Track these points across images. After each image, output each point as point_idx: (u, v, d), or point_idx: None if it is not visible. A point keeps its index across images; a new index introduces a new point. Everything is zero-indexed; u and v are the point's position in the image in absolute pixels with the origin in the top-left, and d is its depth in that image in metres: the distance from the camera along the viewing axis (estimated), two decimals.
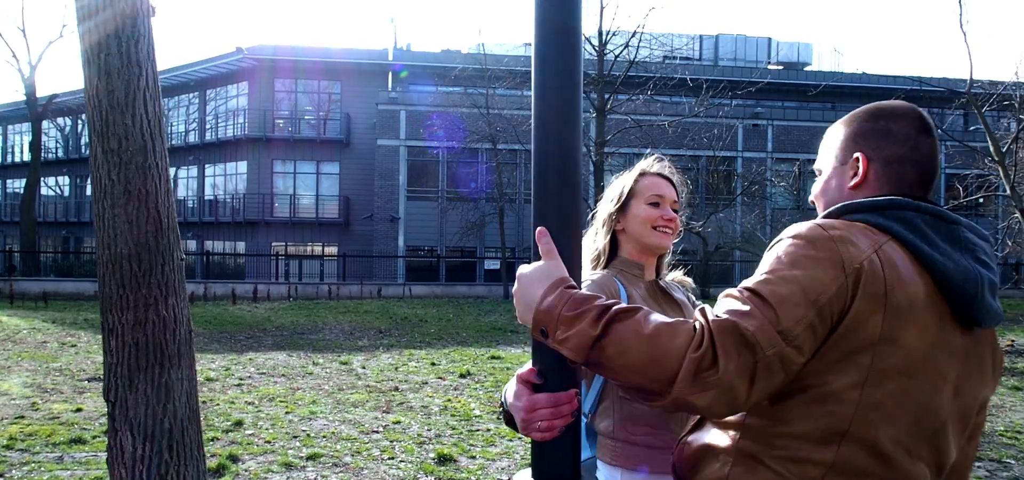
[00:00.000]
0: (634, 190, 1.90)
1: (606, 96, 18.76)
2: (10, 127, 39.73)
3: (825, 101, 31.46)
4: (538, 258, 1.22)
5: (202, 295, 21.02)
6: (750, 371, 1.03)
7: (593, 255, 1.92)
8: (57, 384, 7.93)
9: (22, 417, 6.33)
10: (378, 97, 28.52)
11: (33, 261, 27.10)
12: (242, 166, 31.10)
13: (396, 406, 7.06)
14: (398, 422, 6.37)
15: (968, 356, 1.16)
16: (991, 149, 12.55)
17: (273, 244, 30.19)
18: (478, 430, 6.16)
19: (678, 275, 2.03)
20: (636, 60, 18.11)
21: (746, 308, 1.06)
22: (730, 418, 1.18)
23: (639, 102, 19.80)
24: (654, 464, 1.65)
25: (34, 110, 27.06)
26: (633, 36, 17.62)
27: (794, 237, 1.15)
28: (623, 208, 1.89)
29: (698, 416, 1.29)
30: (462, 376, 8.79)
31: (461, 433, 6.04)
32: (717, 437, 1.21)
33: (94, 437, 5.68)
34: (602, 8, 17.31)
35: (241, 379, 8.42)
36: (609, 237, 1.90)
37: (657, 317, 1.08)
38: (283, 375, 8.76)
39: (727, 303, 1.11)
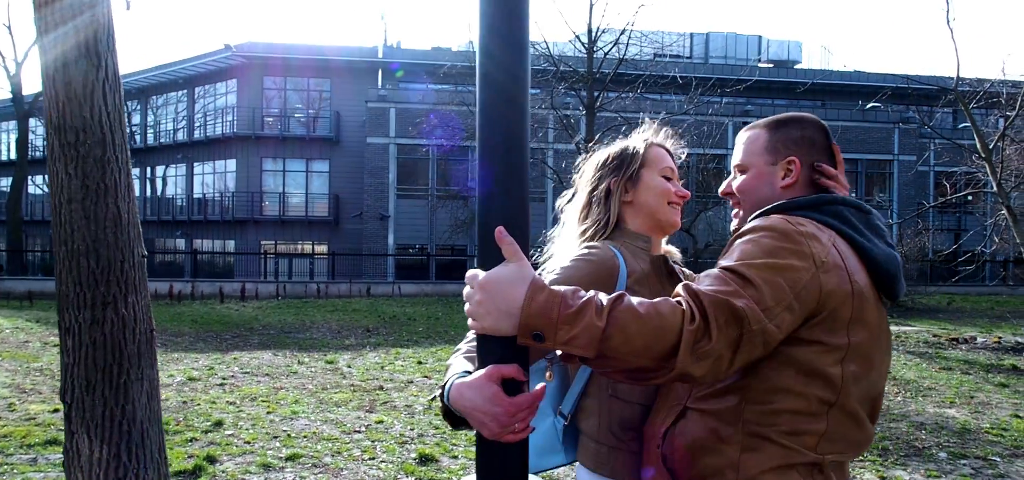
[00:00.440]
0: (645, 159, 1.73)
1: (595, 94, 18.71)
2: None
3: (815, 99, 31.55)
4: (490, 260, 1.15)
5: (190, 294, 20.85)
6: (735, 343, 1.14)
7: (587, 226, 1.73)
8: (36, 384, 7.81)
9: None
10: (368, 95, 28.39)
11: (19, 260, 26.86)
12: (231, 164, 30.92)
13: (380, 405, 6.98)
14: (381, 421, 6.30)
15: (884, 330, 1.35)
16: (978, 146, 12.57)
17: (262, 242, 30.03)
18: (461, 430, 6.10)
19: (670, 248, 1.86)
20: (626, 58, 18.05)
21: (733, 286, 1.16)
22: (724, 406, 1.28)
23: (629, 100, 19.76)
24: (636, 474, 1.55)
25: (21, 108, 26.81)
26: (623, 33, 17.56)
27: (767, 229, 1.27)
28: (634, 177, 1.71)
29: (671, 404, 1.37)
30: None
31: (444, 433, 5.97)
32: (715, 426, 1.28)
33: None
34: (591, 5, 17.24)
35: (224, 379, 8.32)
36: (617, 208, 1.71)
37: (636, 298, 1.13)
38: (267, 374, 8.66)
39: (713, 281, 1.19)
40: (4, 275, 22.89)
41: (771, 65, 34.78)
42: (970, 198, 18.96)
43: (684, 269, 1.77)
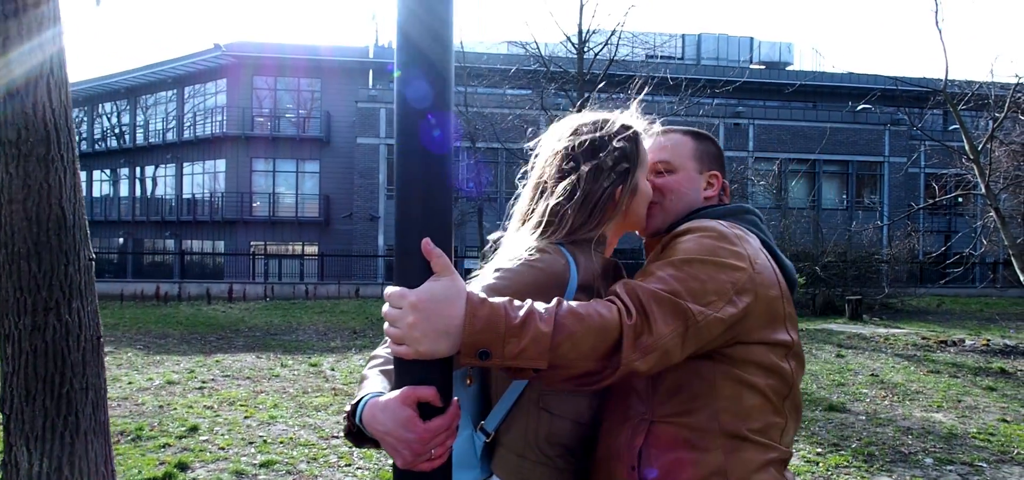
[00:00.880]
0: (642, 160, 1.45)
1: (586, 94, 18.64)
2: None
3: (805, 100, 31.56)
4: (411, 275, 1.05)
5: (177, 295, 20.68)
6: (682, 335, 1.15)
7: (540, 218, 1.39)
8: None
9: None
10: (358, 95, 28.25)
11: None
12: (221, 164, 30.70)
13: None
14: None
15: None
16: (967, 148, 12.54)
17: (252, 243, 29.83)
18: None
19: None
20: (616, 58, 17.98)
21: (677, 284, 1.18)
22: (695, 412, 1.26)
23: (619, 101, 19.73)
24: None
25: None
26: (613, 34, 17.48)
27: (705, 230, 1.29)
28: (634, 187, 1.43)
29: (632, 420, 1.29)
30: None
31: None
32: (688, 436, 1.26)
33: None
34: (582, 6, 17.16)
35: (204, 382, 8.19)
36: (607, 216, 1.40)
37: (573, 302, 1.12)
38: (248, 378, 8.53)
39: (655, 278, 1.20)
40: None
41: (762, 66, 34.78)
42: (960, 200, 18.95)
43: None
